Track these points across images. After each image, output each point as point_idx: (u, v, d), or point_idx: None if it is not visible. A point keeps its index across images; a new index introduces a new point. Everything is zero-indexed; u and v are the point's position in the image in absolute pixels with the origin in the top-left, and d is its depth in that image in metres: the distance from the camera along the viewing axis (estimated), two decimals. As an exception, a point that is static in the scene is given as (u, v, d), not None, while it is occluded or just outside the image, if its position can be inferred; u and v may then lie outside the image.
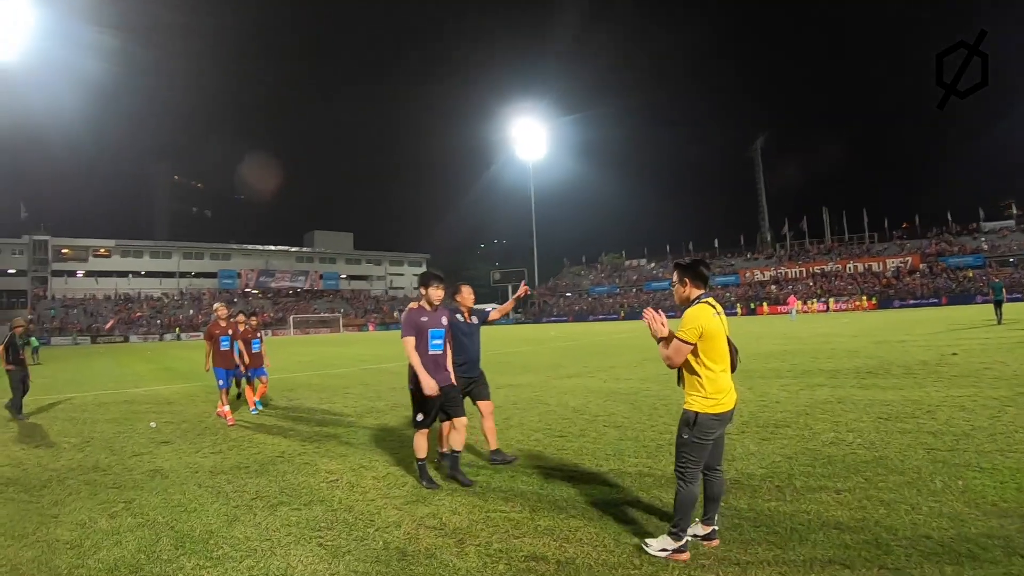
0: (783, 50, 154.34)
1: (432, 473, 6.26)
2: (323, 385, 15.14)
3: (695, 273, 4.30)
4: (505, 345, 31.11)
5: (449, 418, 6.32)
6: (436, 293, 6.29)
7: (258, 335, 12.10)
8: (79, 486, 6.58)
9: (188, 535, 4.87)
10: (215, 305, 11.72)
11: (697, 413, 4.06)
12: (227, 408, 10.28)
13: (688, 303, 4.26)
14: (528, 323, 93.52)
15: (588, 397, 11.35)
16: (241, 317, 11.84)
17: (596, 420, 9.01)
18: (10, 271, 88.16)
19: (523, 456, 7.07)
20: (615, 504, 5.17)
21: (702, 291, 4.27)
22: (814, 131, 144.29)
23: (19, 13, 68.03)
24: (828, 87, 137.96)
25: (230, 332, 10.93)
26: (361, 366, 21.06)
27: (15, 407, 11.74)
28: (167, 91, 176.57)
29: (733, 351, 4.23)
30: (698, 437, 4.06)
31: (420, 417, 6.12)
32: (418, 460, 6.13)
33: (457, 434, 6.28)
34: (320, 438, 8.64)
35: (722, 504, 4.60)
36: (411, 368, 6.16)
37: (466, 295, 7.14)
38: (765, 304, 70.08)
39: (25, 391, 12.11)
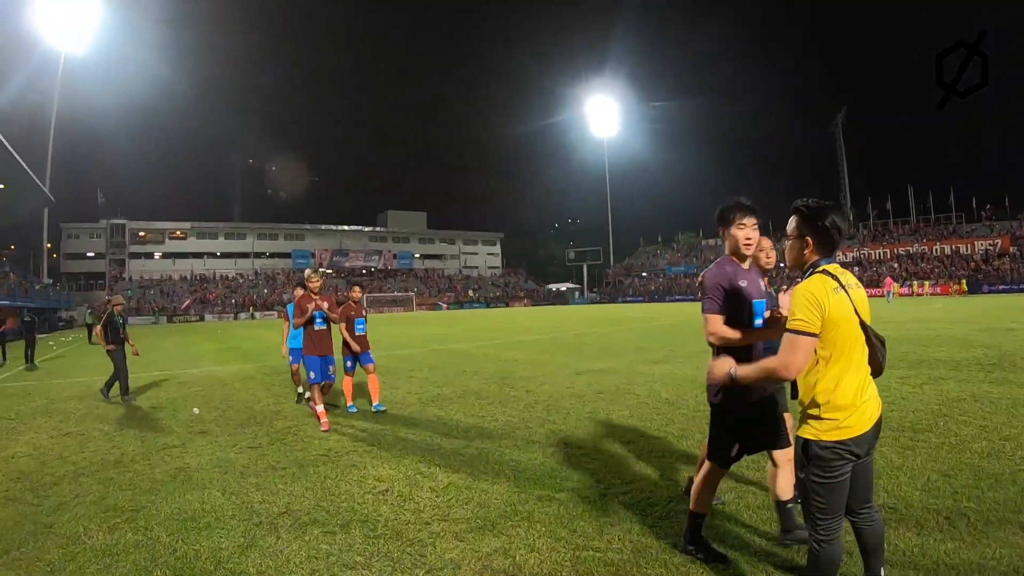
0: (865, 18, 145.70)
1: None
2: (387, 367, 14.20)
3: (824, 230, 2.77)
4: (583, 325, 29.80)
5: (768, 448, 3.86)
6: (747, 232, 3.82)
7: (363, 313, 9.58)
8: (91, 486, 5.81)
9: (189, 564, 3.91)
10: (306, 272, 8.99)
11: (808, 441, 2.65)
12: (322, 408, 8.20)
13: (803, 271, 2.82)
14: (603, 303, 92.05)
15: (680, 387, 10.05)
16: (356, 291, 9.59)
17: (696, 417, 7.68)
18: (89, 254, 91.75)
19: (616, 463, 5.85)
20: (742, 543, 3.92)
21: (828, 256, 2.81)
22: (898, 105, 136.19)
23: (89, 9, 70.22)
24: (913, 59, 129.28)
25: (324, 307, 8.58)
26: (429, 347, 20.14)
27: (121, 389, 11.23)
28: (240, 78, 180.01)
29: (875, 345, 2.73)
30: (820, 476, 2.63)
31: (731, 450, 3.69)
32: (696, 514, 3.74)
33: (784, 475, 3.79)
34: (373, 434, 7.59)
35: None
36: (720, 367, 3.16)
37: None
38: None
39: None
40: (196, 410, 9.60)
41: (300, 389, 10.14)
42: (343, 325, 9.11)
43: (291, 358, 10.35)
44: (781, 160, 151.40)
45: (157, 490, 5.52)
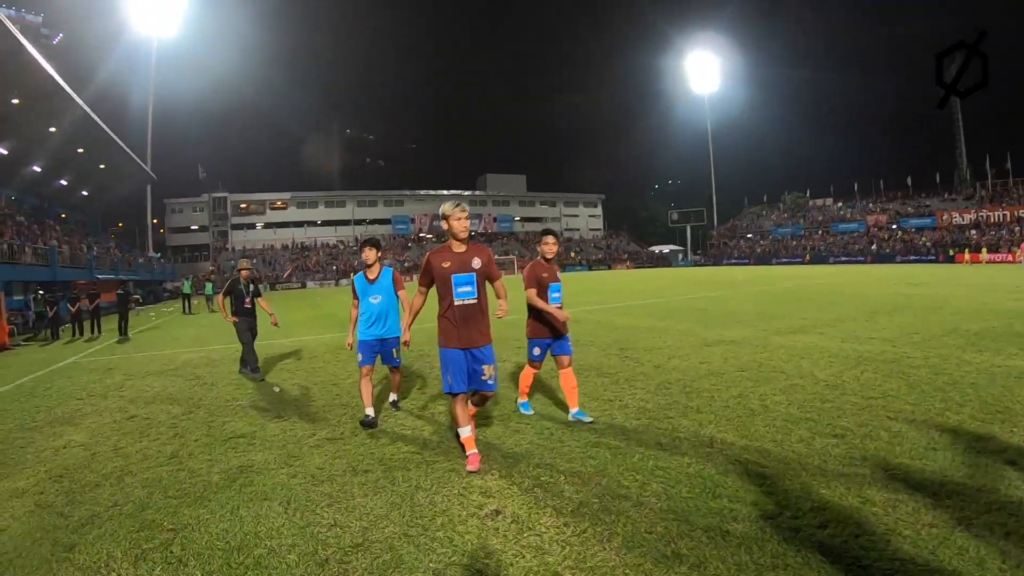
0: None
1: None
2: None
3: None
4: (694, 288, 27.86)
5: None
6: None
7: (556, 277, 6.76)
8: (134, 490, 4.88)
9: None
10: (443, 207, 5.24)
11: None
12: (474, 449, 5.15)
13: None
14: (707, 265, 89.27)
15: (833, 364, 8.49)
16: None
17: (870, 405, 6.16)
18: (193, 227, 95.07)
19: (793, 476, 4.40)
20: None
21: None
22: (1016, 55, 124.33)
23: None
24: None
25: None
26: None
27: (249, 367, 9.99)
28: (331, 47, 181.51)
29: None
30: None
31: None
32: None
33: None
34: (478, 425, 6.11)
35: None
36: None
37: None
38: (966, 251, 60.45)
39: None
40: (277, 388, 8.72)
41: (393, 396, 7.40)
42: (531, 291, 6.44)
43: (360, 355, 6.80)
44: (892, 115, 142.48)
45: (207, 500, 4.48)
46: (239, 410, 7.61)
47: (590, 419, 6.09)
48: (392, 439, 5.86)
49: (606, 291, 29.19)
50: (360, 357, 6.70)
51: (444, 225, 5.16)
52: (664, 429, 5.68)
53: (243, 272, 10.18)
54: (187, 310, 30.93)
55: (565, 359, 6.24)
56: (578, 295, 26.88)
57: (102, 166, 48.74)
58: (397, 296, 7.03)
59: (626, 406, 6.66)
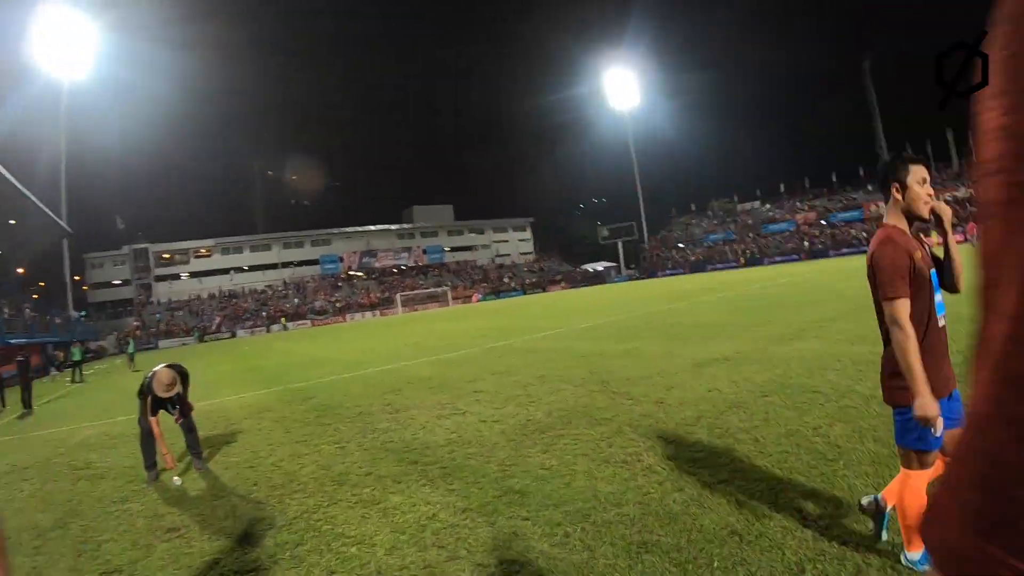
0: None
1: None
2: (440, 379, 11.08)
3: None
4: (645, 304, 26.13)
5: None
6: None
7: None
8: None
9: None
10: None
11: None
12: None
13: None
14: (644, 279, 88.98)
15: (864, 373, 7.00)
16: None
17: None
18: (115, 282, 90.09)
19: None
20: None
21: None
22: (928, 45, 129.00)
23: (86, 36, 69.02)
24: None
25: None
26: (484, 345, 16.78)
27: (145, 463, 7.16)
28: (248, 89, 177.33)
29: None
30: None
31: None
32: None
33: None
34: (444, 511, 4.37)
35: None
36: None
37: None
38: (932, 234, 61.13)
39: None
40: (177, 480, 6.54)
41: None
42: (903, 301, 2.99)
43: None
44: (811, 112, 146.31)
45: None
46: (124, 519, 5.48)
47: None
48: (332, 560, 3.86)
49: (552, 315, 27.28)
50: None
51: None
52: (710, 503, 3.82)
53: (159, 392, 6.94)
54: (78, 378, 26.86)
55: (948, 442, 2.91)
56: (524, 321, 24.95)
57: (12, 221, 45.41)
58: None
59: (641, 461, 4.81)
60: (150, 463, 7.07)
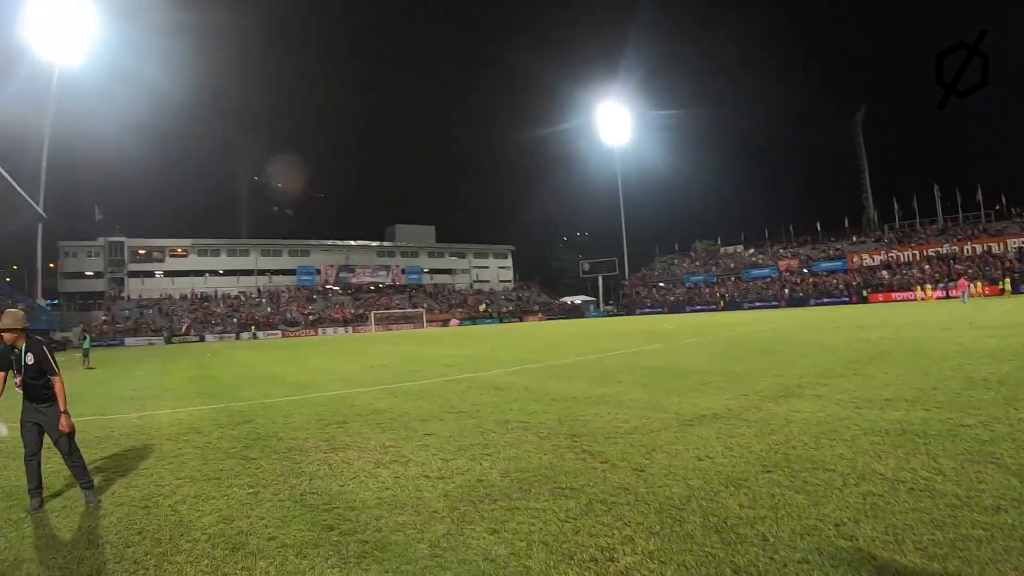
0: (881, 15, 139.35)
1: None
2: (392, 413, 9.86)
3: None
4: (622, 342, 25.09)
5: None
6: None
7: None
8: None
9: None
10: None
11: None
12: None
13: None
14: (620, 315, 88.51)
15: (879, 446, 5.99)
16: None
17: (1005, 524, 3.62)
18: (87, 273, 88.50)
19: None
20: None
21: None
22: (918, 101, 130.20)
23: (84, 21, 68.32)
24: (930, 54, 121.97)
25: None
26: (448, 375, 15.47)
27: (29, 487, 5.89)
28: (241, 92, 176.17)
29: None
30: None
31: None
32: None
33: None
34: None
35: None
36: None
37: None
38: (928, 288, 60.80)
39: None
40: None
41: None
42: None
43: None
44: (800, 164, 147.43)
45: None
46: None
47: None
48: None
49: (526, 347, 26.07)
50: None
51: None
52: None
53: (3, 334, 5.69)
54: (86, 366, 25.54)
55: None
56: (497, 352, 23.67)
57: (-21, 197, 43.95)
58: None
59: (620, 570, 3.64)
60: (33, 485, 5.82)
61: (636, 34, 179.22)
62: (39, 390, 5.72)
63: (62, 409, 5.69)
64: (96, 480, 6.44)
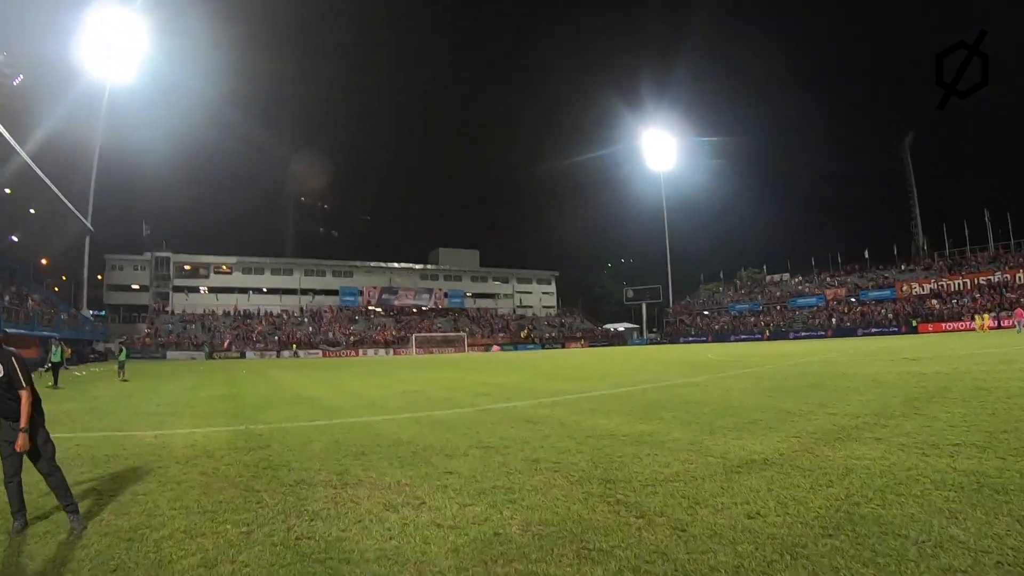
0: (929, 37, 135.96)
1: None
2: (415, 445, 9.25)
3: None
4: (665, 373, 24.06)
5: None
6: None
7: None
8: None
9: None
10: None
11: None
12: None
13: None
14: (664, 343, 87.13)
15: (954, 505, 5.13)
16: None
17: None
18: (133, 287, 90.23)
19: None
20: None
21: None
22: (968, 125, 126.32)
23: (135, 39, 70.31)
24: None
25: None
26: (482, 405, 14.82)
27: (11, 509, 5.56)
28: (292, 113, 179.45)
29: None
30: None
31: None
32: None
33: None
34: None
35: None
36: None
37: None
38: (985, 316, 57.45)
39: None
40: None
41: None
42: None
43: None
44: (848, 191, 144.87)
45: None
46: None
47: None
48: None
49: (566, 375, 25.28)
50: None
51: None
52: None
53: None
54: (56, 383, 24.41)
55: None
56: (534, 381, 22.89)
57: (32, 211, 44.72)
58: None
59: None
60: (15, 508, 5.37)
61: (684, 60, 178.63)
62: (10, 404, 5.28)
63: (22, 426, 5.21)
64: (89, 503, 6.08)
